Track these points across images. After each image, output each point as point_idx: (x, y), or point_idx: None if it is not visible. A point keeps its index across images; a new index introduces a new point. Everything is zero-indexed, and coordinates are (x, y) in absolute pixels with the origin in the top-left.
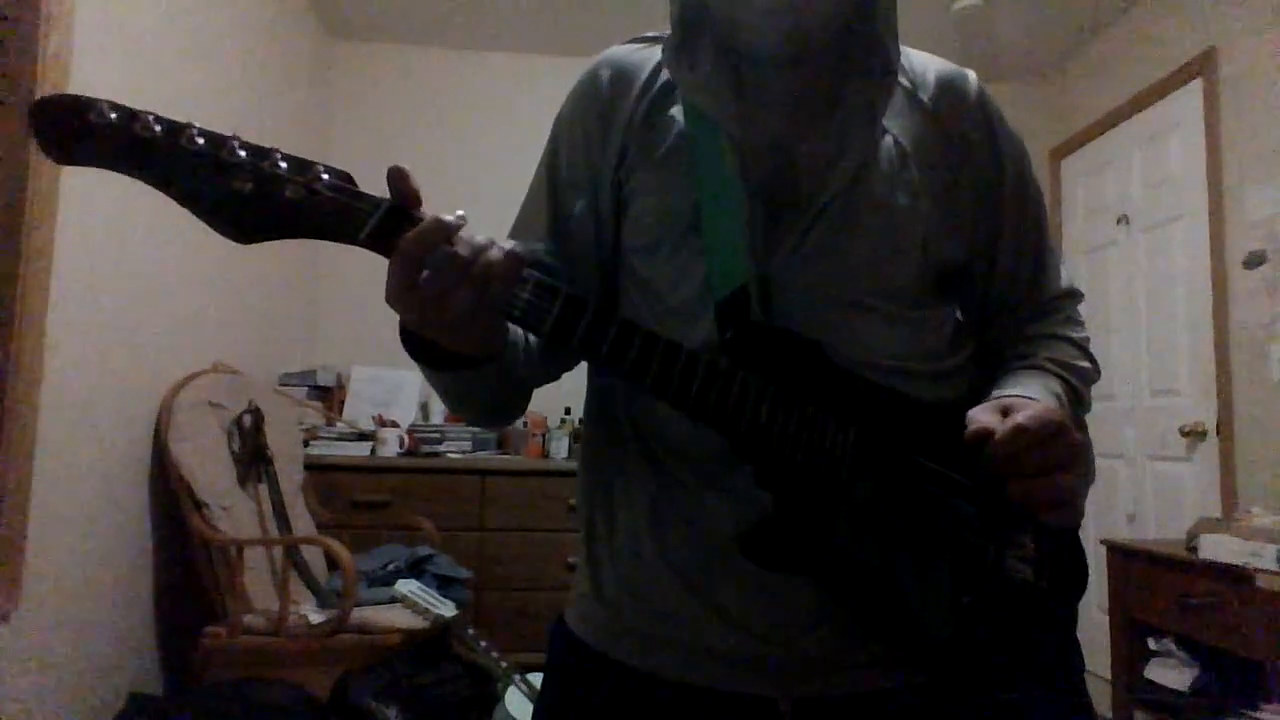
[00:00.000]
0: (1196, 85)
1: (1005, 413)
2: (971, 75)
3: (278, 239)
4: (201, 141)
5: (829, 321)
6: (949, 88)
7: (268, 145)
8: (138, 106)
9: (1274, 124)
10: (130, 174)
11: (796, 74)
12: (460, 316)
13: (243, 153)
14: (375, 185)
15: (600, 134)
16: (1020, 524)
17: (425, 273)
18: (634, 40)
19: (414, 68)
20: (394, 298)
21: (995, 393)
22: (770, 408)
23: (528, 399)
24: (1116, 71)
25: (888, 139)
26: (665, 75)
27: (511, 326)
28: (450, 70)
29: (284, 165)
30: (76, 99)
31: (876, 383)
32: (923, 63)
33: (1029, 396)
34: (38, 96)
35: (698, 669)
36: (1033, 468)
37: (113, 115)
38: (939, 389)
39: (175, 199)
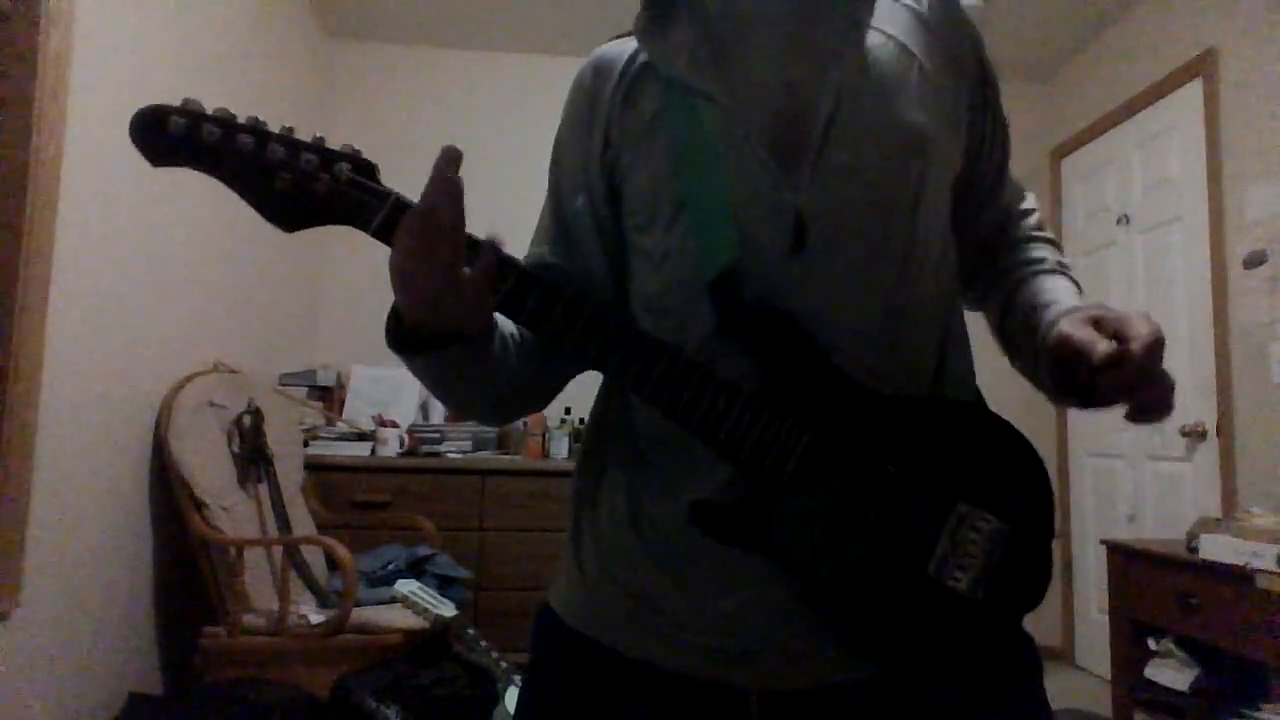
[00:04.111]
0: (1196, 85)
1: (1097, 324)
2: None
3: (314, 227)
4: (250, 142)
5: (869, 231)
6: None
7: (306, 137)
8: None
9: (1274, 124)
10: (203, 172)
11: (769, 22)
12: (449, 269)
13: (281, 149)
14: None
15: (587, 126)
16: (973, 532)
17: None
18: (615, 38)
19: (414, 68)
20: (393, 260)
21: (1048, 299)
22: (713, 395)
23: (525, 399)
24: (1116, 71)
25: (889, 43)
26: (643, 57)
27: (500, 326)
28: (450, 70)
29: (314, 160)
30: (158, 109)
31: (855, 381)
32: None
33: (1100, 306)
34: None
35: (670, 653)
36: (1159, 374)
37: (183, 121)
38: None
39: (237, 194)
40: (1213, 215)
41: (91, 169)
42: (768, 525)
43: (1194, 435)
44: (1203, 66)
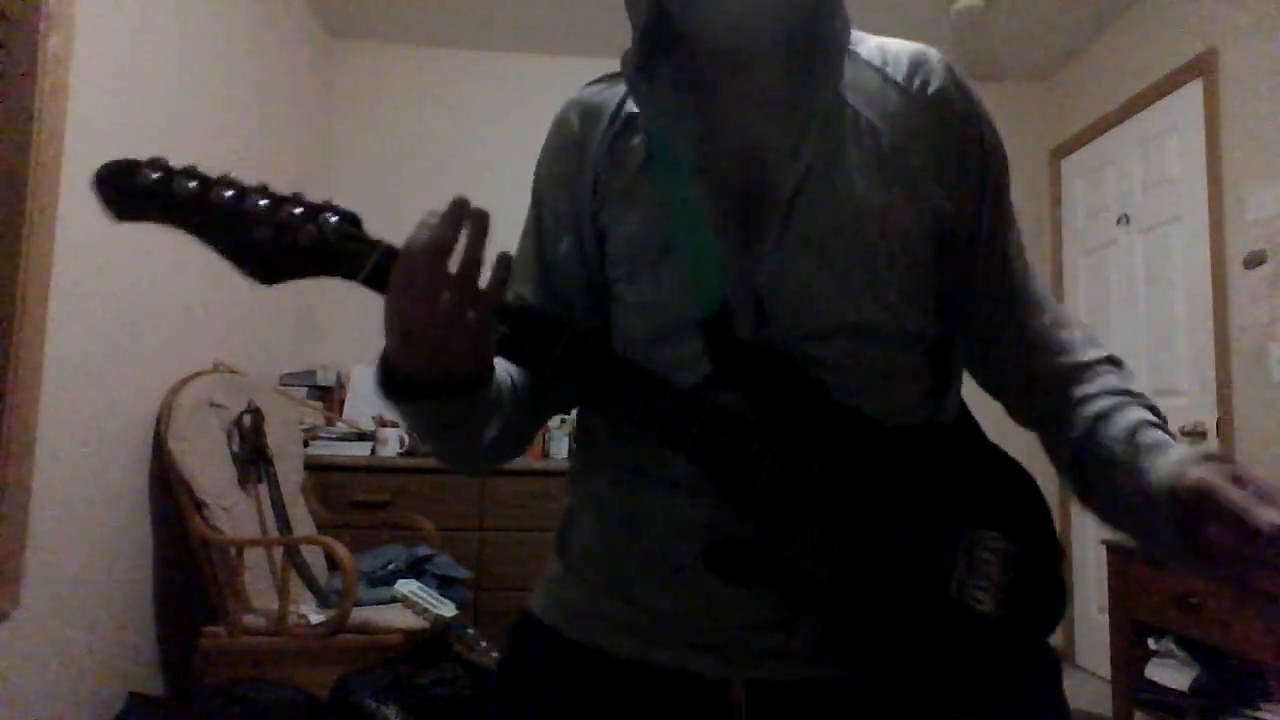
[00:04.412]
0: (1196, 85)
1: (1239, 481)
2: (935, 53)
3: (295, 279)
4: (228, 195)
5: (831, 320)
6: (921, 68)
7: (285, 190)
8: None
9: (1274, 124)
10: (172, 226)
11: (756, 72)
12: (450, 319)
13: (263, 203)
14: (376, 184)
15: (576, 171)
16: (987, 553)
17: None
18: (598, 81)
19: (414, 68)
20: (389, 307)
21: (1160, 441)
22: (719, 430)
23: (515, 443)
24: (1116, 71)
25: (861, 119)
26: (629, 107)
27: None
28: (451, 70)
29: (298, 212)
30: (127, 164)
31: (855, 409)
32: (892, 44)
33: (1213, 454)
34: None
35: (652, 647)
36: None
37: (155, 176)
38: (900, 352)
39: (209, 247)
40: (1213, 215)
41: (91, 169)
42: (781, 561)
43: (1194, 435)
44: (1203, 66)
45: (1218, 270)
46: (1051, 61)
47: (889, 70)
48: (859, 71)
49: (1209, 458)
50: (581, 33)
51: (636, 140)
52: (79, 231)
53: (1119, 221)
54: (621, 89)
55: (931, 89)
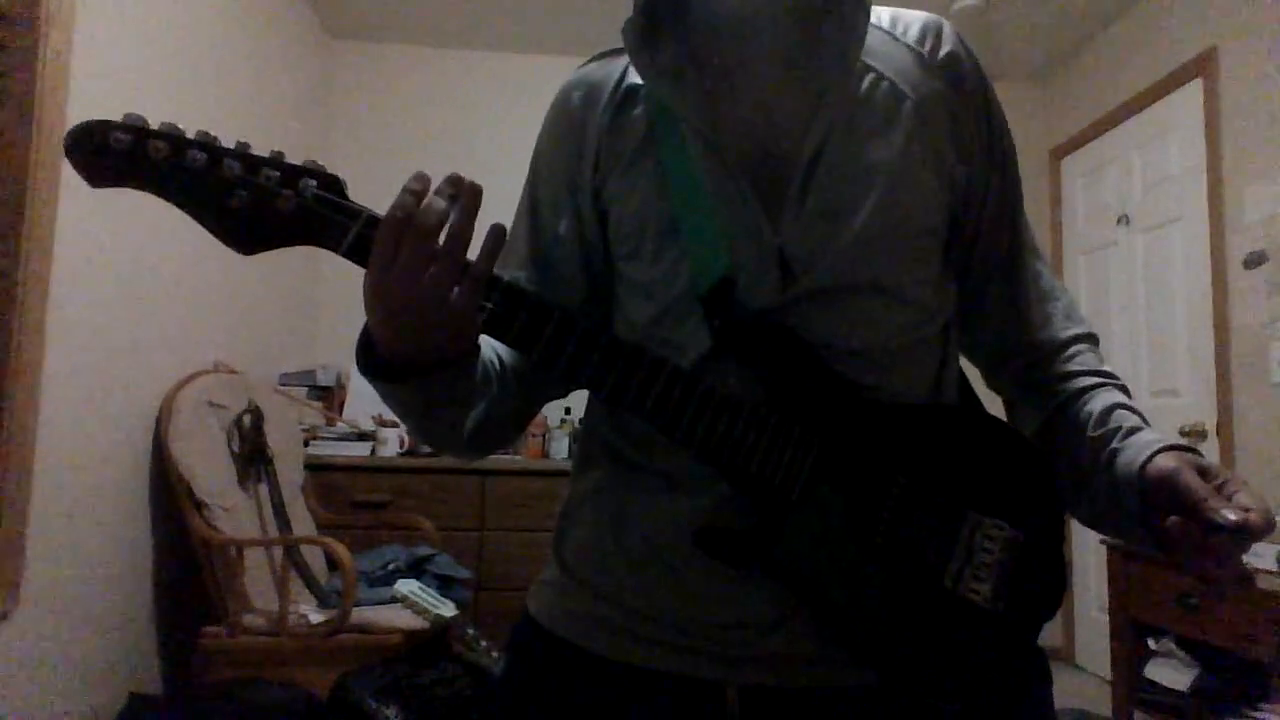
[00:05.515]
0: (1196, 85)
1: (1204, 473)
2: (944, 19)
3: (276, 249)
4: (201, 158)
5: (856, 277)
6: (932, 32)
7: (266, 150)
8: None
9: (1274, 124)
10: (149, 192)
11: (764, 41)
12: (435, 294)
13: (238, 165)
14: (376, 184)
15: (576, 149)
16: (988, 540)
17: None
18: (597, 57)
19: (414, 68)
20: (372, 279)
21: (1133, 425)
22: (715, 412)
23: (504, 429)
24: (1116, 71)
25: (881, 82)
26: (630, 80)
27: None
28: (450, 70)
29: (275, 175)
30: (98, 125)
31: (856, 382)
32: (900, 11)
33: (1183, 445)
34: (60, 121)
35: (647, 650)
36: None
37: (127, 137)
38: (912, 329)
39: (187, 214)
40: (1212, 215)
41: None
42: (775, 547)
43: (1194, 435)
44: (1203, 66)
45: (1218, 270)
46: (1051, 61)
47: (898, 33)
48: (869, 34)
49: (1178, 446)
50: (581, 33)
51: (638, 112)
52: (79, 231)
53: (1119, 221)
54: (622, 63)
55: (943, 52)
